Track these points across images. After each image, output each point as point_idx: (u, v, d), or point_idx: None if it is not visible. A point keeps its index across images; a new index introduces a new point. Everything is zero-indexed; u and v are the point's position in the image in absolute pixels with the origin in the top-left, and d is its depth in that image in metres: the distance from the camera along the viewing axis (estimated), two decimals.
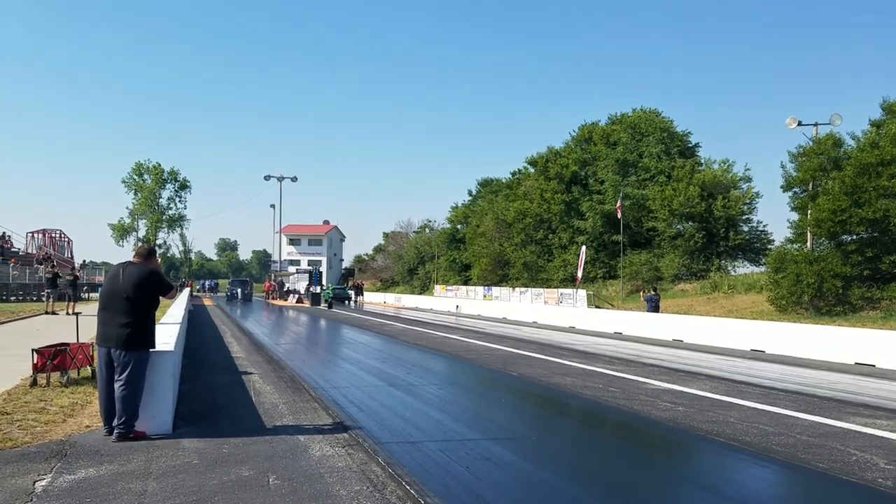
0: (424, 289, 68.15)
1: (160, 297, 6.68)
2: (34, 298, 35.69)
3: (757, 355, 16.24)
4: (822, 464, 6.00)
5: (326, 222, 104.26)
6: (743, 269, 40.84)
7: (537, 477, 5.71)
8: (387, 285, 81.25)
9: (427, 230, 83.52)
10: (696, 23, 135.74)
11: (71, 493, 4.74)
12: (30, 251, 49.40)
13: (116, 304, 6.32)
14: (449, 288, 57.30)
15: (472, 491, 5.07)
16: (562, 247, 50.20)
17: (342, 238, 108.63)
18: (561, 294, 39.90)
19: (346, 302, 52.54)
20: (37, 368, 8.81)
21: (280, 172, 62.26)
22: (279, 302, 52.41)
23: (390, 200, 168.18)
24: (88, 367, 9.64)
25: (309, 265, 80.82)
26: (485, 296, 48.58)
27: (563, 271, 47.43)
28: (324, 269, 76.41)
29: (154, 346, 6.54)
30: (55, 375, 9.00)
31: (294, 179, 62.69)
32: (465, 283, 58.81)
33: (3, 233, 46.70)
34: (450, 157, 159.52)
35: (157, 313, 6.76)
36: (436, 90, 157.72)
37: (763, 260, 37.59)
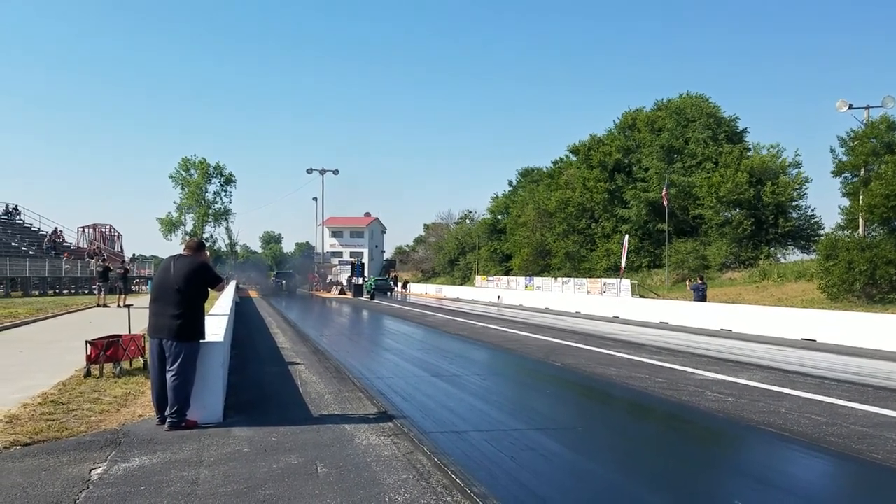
0: (465, 280, 68.19)
1: (209, 289, 6.81)
2: (86, 292, 36.71)
3: (808, 344, 15.87)
4: (878, 454, 5.84)
5: (368, 214, 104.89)
6: (793, 256, 39.90)
7: (584, 467, 5.68)
8: (428, 276, 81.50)
9: (467, 221, 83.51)
10: (741, 5, 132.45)
11: (126, 480, 4.86)
12: (81, 246, 50.75)
13: (168, 296, 6.46)
14: (490, 278, 57.25)
15: (518, 481, 5.06)
16: (605, 236, 49.70)
17: (383, 230, 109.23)
18: (604, 284, 39.58)
19: (389, 293, 52.89)
20: (90, 360, 9.07)
21: (322, 165, 62.70)
22: (323, 293, 53.01)
23: (431, 192, 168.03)
24: (140, 358, 9.88)
25: (351, 257, 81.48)
26: (526, 286, 48.42)
27: (607, 261, 46.98)
28: (365, 260, 76.90)
29: (204, 337, 6.66)
30: (108, 366, 9.26)
31: (336, 172, 63.09)
32: (507, 273, 58.67)
33: (56, 228, 48.20)
34: (490, 147, 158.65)
35: (206, 305, 6.87)
36: (475, 81, 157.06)
37: (813, 247, 36.67)
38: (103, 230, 57.25)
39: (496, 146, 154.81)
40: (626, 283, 36.94)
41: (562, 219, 52.83)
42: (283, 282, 57.60)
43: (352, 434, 6.34)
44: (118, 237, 60.27)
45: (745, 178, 38.53)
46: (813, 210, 41.04)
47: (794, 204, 39.87)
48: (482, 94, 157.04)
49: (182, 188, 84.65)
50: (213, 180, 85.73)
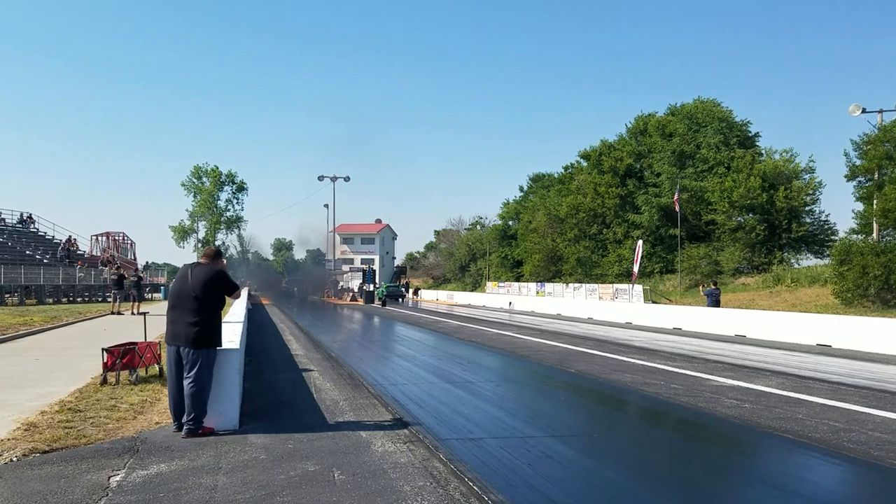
0: (476, 286, 68.17)
1: (226, 297, 6.85)
2: (99, 299, 36.96)
3: (823, 350, 15.77)
4: None
5: (378, 221, 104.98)
6: (806, 261, 39.70)
7: (600, 474, 5.67)
8: (438, 283, 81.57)
9: (478, 227, 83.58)
10: (753, 9, 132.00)
11: (144, 487, 4.89)
12: (94, 254, 51.07)
13: (185, 304, 6.51)
14: (501, 284, 57.16)
15: (534, 488, 5.05)
16: (616, 241, 49.56)
17: (394, 236, 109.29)
18: (616, 289, 39.41)
19: (400, 299, 52.94)
20: (107, 367, 9.13)
21: (333, 172, 62.94)
22: (334, 300, 53.14)
23: (441, 198, 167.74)
24: (156, 366, 9.93)
25: (362, 263, 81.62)
26: (538, 292, 48.31)
27: (618, 266, 46.83)
28: (376, 267, 77.04)
29: (221, 345, 6.70)
30: (124, 374, 9.30)
31: (347, 179, 63.37)
32: (518, 279, 58.56)
33: (70, 236, 48.51)
34: (500, 152, 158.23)
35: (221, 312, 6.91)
36: (485, 86, 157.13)
37: (827, 252, 36.47)
38: (116, 238, 57.55)
39: (507, 152, 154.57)
40: (638, 288, 36.73)
41: (573, 224, 52.74)
42: (295, 289, 57.83)
43: (367, 441, 6.35)
44: (131, 245, 60.57)
45: (758, 182, 38.38)
46: (827, 215, 40.86)
47: (807, 209, 39.70)
48: (493, 100, 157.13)
49: (194, 196, 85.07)
50: (225, 188, 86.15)
